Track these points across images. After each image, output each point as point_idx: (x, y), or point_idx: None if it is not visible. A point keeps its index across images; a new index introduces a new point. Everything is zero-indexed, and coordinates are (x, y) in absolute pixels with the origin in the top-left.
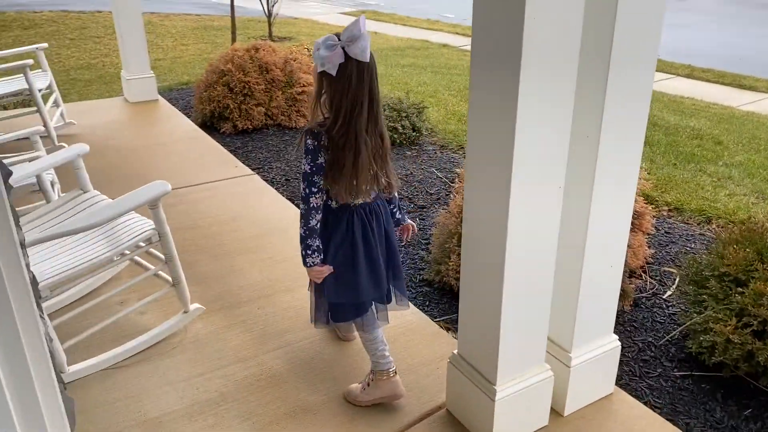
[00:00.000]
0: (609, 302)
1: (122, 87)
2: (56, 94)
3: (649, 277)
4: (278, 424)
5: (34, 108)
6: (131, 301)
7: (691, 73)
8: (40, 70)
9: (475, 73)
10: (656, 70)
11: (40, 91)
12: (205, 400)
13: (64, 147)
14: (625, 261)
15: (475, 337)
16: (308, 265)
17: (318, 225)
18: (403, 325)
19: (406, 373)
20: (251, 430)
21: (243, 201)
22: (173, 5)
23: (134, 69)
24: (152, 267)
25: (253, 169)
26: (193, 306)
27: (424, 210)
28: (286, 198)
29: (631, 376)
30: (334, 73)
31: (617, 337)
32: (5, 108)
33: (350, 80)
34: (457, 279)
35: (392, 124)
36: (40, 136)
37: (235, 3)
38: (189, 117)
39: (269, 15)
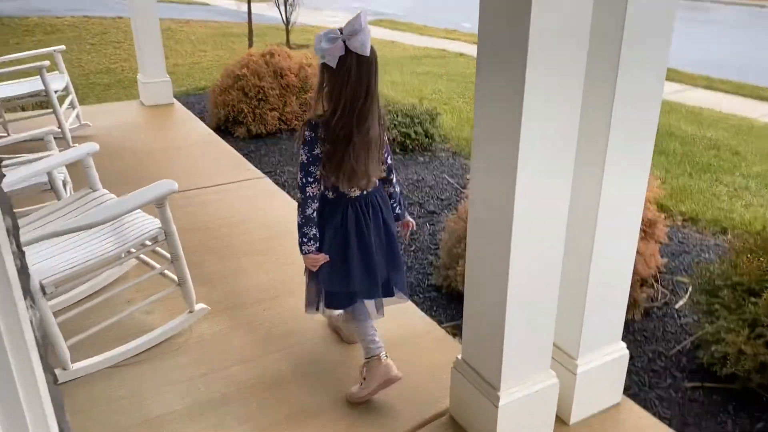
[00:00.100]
0: (617, 308)
1: (138, 90)
2: (72, 96)
3: (661, 286)
4: (279, 426)
5: (51, 109)
6: (138, 300)
7: (709, 84)
8: (57, 72)
9: (482, 62)
10: (674, 81)
11: (56, 92)
12: (207, 401)
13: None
14: (636, 269)
15: (479, 342)
16: (303, 252)
17: (314, 214)
18: (409, 329)
19: (411, 378)
20: (252, 431)
21: (253, 203)
22: (193, 12)
23: (150, 73)
24: (158, 266)
25: (265, 173)
26: (199, 306)
27: (435, 215)
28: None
29: (640, 386)
30: (333, 65)
31: (625, 345)
32: (23, 109)
33: (349, 73)
34: None
35: (405, 130)
36: (56, 138)
37: (256, 11)
38: (204, 121)
39: (287, 23)
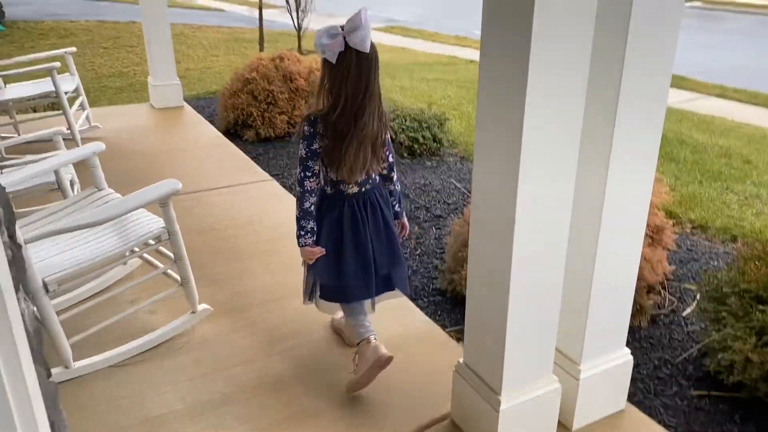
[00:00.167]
0: (621, 314)
1: (149, 93)
2: (83, 98)
3: (669, 293)
4: (279, 426)
5: (61, 111)
6: (142, 300)
7: (722, 92)
8: (68, 74)
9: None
10: (687, 90)
11: (66, 93)
12: (208, 401)
13: None
14: (643, 276)
15: (480, 345)
16: (300, 245)
17: (312, 208)
18: (412, 333)
19: (412, 382)
20: (252, 431)
21: (260, 205)
22: (209, 18)
23: (161, 76)
24: (162, 266)
25: (272, 176)
26: (201, 306)
27: (441, 219)
28: None
29: (645, 393)
30: (333, 60)
31: (629, 351)
32: (35, 111)
33: (349, 69)
34: None
35: (413, 135)
36: (66, 139)
37: (269, 18)
38: (213, 124)
39: (299, 29)
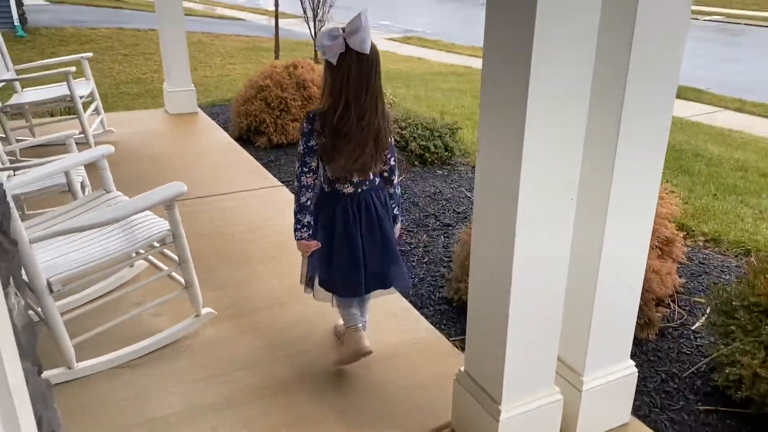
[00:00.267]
0: (626, 325)
1: (164, 99)
2: (97, 102)
3: (678, 306)
4: None
5: (76, 115)
6: (147, 302)
7: (741, 106)
8: (83, 79)
9: (486, 75)
10: (705, 103)
11: (81, 98)
12: (209, 404)
13: None
14: (652, 288)
15: (481, 354)
16: (296, 238)
17: (308, 202)
18: (416, 341)
19: (414, 391)
20: None
21: (269, 211)
22: (229, 27)
23: (175, 82)
24: (167, 268)
25: (283, 182)
26: (205, 310)
27: (450, 228)
28: None
29: (651, 407)
30: (334, 61)
31: (634, 363)
32: (52, 115)
33: (349, 70)
34: None
35: (424, 143)
36: (79, 143)
37: (287, 27)
38: (227, 131)
39: (315, 38)
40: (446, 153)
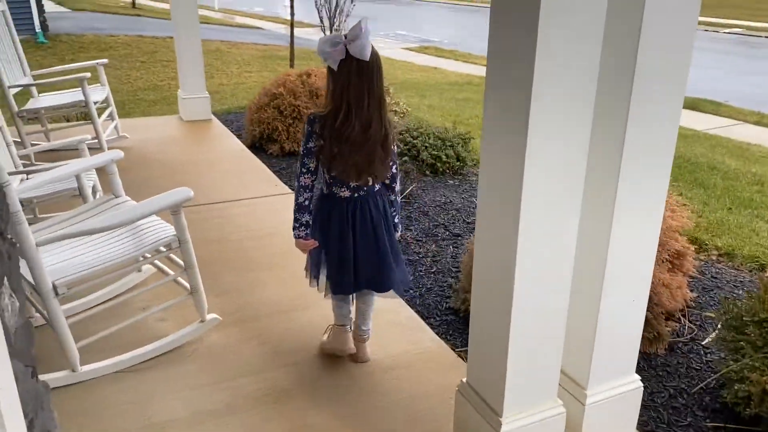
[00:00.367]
0: (631, 339)
1: (178, 106)
2: (112, 108)
3: (688, 321)
4: None
5: (90, 120)
6: (153, 307)
7: (760, 120)
8: (98, 85)
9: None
10: (723, 116)
11: (96, 103)
12: (210, 410)
13: None
14: (661, 302)
15: (483, 365)
16: (294, 236)
17: (306, 202)
18: (421, 352)
19: (418, 401)
20: None
21: (278, 218)
22: (247, 35)
23: (190, 89)
24: (172, 273)
25: (294, 190)
26: (210, 316)
27: (459, 238)
28: None
29: (658, 423)
30: (335, 68)
31: (640, 377)
32: (68, 120)
33: (349, 76)
34: None
35: (436, 153)
36: (94, 148)
37: (305, 36)
38: (240, 138)
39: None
40: (458, 163)
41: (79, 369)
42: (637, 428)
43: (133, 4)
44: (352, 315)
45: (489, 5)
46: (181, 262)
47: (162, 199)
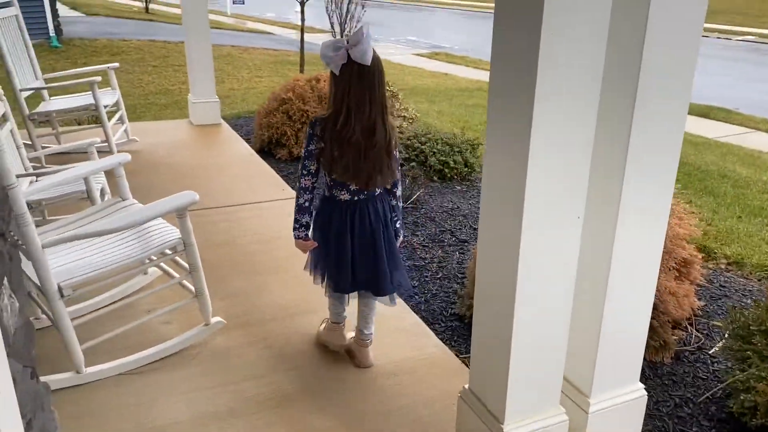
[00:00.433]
0: (634, 347)
1: (188, 110)
2: (122, 112)
3: (696, 330)
4: None
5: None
6: (158, 310)
7: None
8: (109, 88)
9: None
10: (735, 123)
11: (106, 107)
12: (213, 414)
13: None
14: (668, 310)
15: (485, 372)
16: (294, 237)
17: (306, 203)
18: (425, 358)
19: (420, 407)
20: None
21: (285, 222)
22: (258, 40)
23: (200, 93)
24: (178, 276)
25: None
26: (215, 319)
27: (466, 244)
28: None
29: None
30: (337, 72)
31: (644, 386)
32: (79, 123)
33: (350, 80)
34: None
35: (444, 158)
36: (103, 151)
37: (315, 41)
38: (249, 143)
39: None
40: (466, 169)
41: (84, 371)
42: None
43: (147, 9)
44: (347, 314)
45: None
46: (187, 265)
47: (168, 202)
